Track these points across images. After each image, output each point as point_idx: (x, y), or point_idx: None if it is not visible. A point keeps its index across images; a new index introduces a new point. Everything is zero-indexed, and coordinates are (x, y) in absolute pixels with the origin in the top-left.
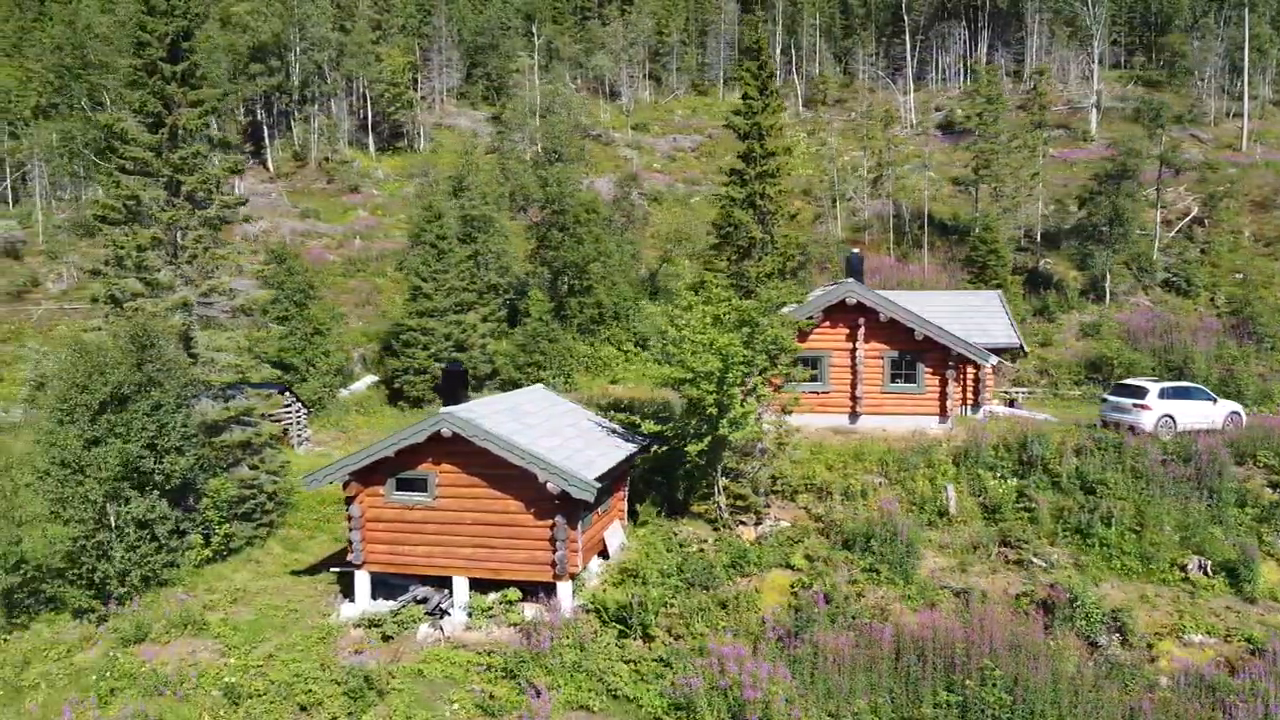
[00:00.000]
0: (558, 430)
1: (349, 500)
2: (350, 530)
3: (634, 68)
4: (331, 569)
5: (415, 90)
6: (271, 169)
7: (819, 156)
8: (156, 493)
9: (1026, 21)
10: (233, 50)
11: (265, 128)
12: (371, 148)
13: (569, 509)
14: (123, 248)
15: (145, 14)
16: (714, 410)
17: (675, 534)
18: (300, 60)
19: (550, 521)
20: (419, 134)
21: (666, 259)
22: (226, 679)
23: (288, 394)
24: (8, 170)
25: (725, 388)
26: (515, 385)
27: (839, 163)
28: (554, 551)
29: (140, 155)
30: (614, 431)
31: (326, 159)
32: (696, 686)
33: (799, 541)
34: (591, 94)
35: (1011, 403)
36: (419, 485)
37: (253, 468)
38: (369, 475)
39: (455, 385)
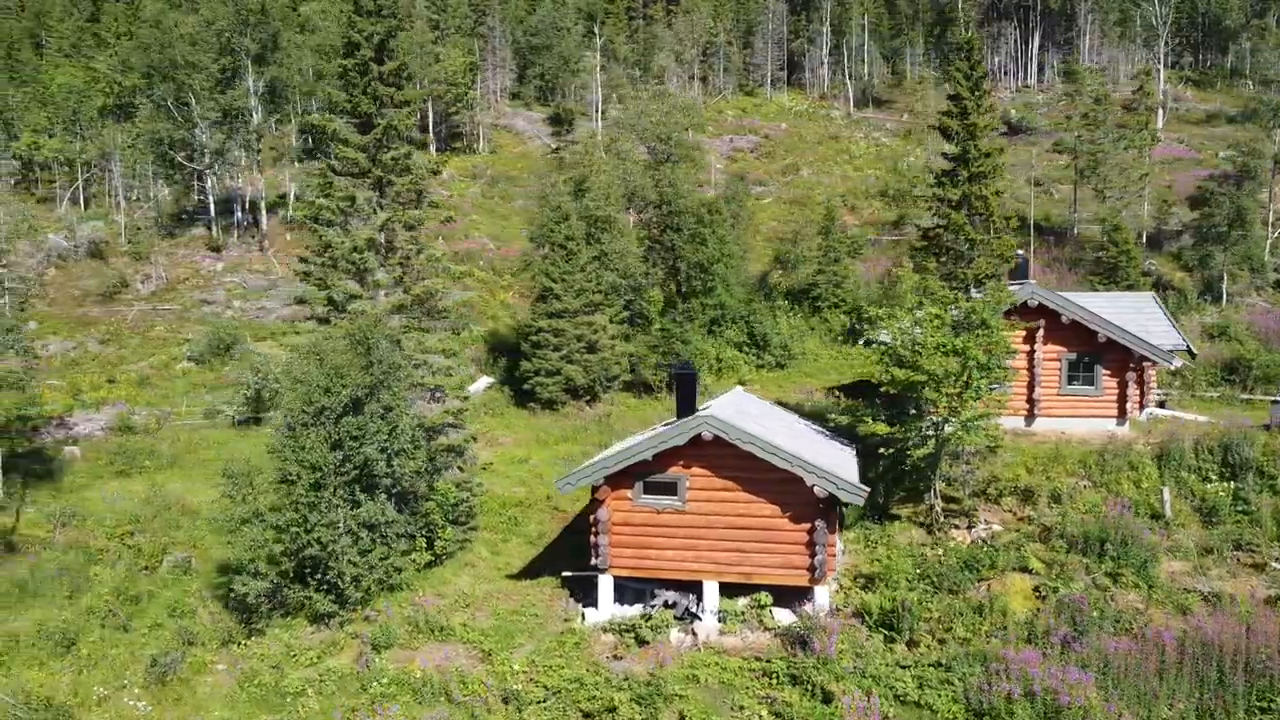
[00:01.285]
0: (796, 433)
1: (595, 504)
2: (595, 535)
3: (684, 68)
4: (562, 574)
5: (472, 92)
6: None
7: (881, 156)
8: (384, 496)
9: (1079, 21)
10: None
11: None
12: (432, 148)
13: (828, 513)
14: (337, 249)
15: (354, 14)
16: (945, 413)
17: (889, 537)
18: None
19: (808, 525)
20: (478, 135)
21: (783, 259)
22: (506, 685)
23: None
24: (79, 171)
25: (967, 389)
26: (648, 387)
27: (902, 163)
28: (812, 556)
29: (352, 156)
30: (826, 433)
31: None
32: (1000, 691)
33: (1018, 546)
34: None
35: (1161, 404)
36: (669, 489)
37: (459, 469)
38: (617, 479)
39: (688, 389)
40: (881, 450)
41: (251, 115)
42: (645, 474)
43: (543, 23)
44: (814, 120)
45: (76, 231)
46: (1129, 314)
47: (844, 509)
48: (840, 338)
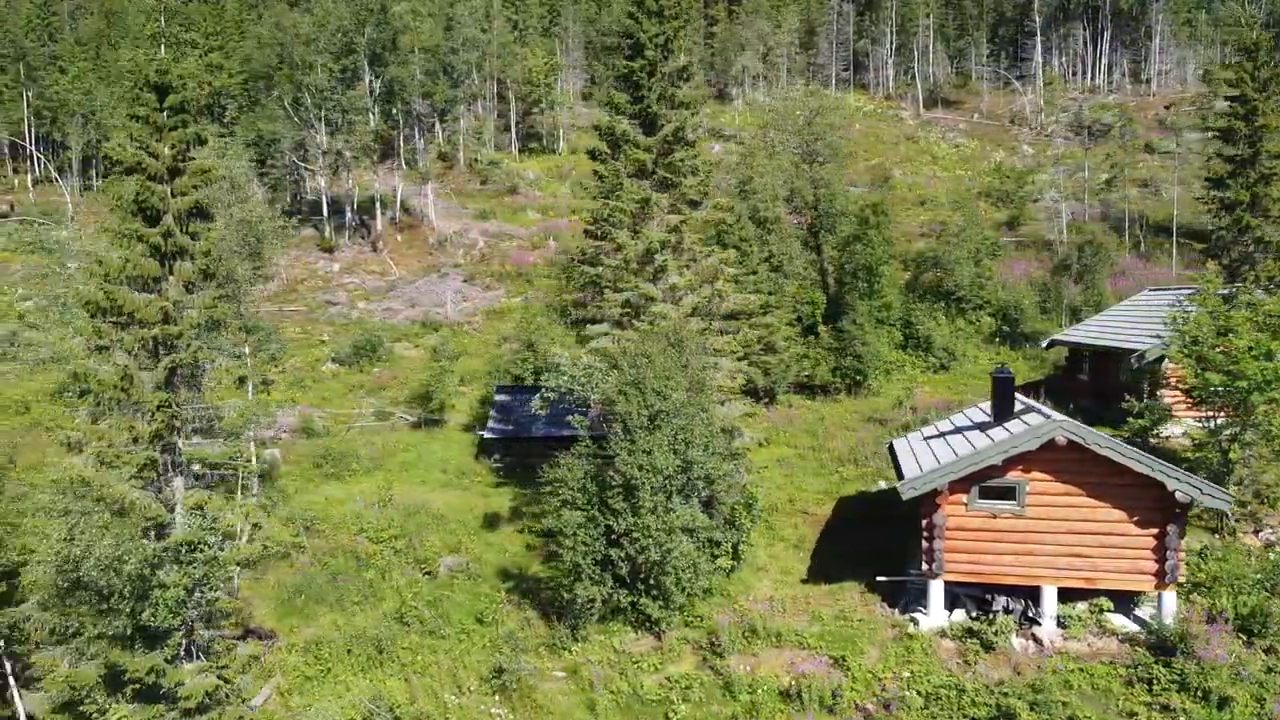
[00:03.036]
0: None
1: (932, 508)
2: (929, 539)
3: (749, 68)
4: (878, 578)
5: (555, 91)
6: (414, 170)
7: (964, 157)
8: (695, 500)
9: (1151, 21)
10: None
11: (404, 128)
12: (514, 149)
13: (1181, 516)
14: (628, 251)
15: (636, 16)
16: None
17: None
18: (448, 59)
19: (1157, 529)
20: (558, 135)
21: (938, 259)
22: (874, 691)
23: None
24: None
25: None
26: (824, 390)
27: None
28: (1162, 560)
29: (640, 157)
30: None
31: (475, 161)
32: None
33: None
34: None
35: None
36: (1007, 493)
37: (746, 471)
38: (955, 484)
39: (1007, 392)
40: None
41: (369, 116)
42: (982, 479)
43: (615, 22)
44: (884, 121)
45: None
46: None
47: None
48: (994, 339)
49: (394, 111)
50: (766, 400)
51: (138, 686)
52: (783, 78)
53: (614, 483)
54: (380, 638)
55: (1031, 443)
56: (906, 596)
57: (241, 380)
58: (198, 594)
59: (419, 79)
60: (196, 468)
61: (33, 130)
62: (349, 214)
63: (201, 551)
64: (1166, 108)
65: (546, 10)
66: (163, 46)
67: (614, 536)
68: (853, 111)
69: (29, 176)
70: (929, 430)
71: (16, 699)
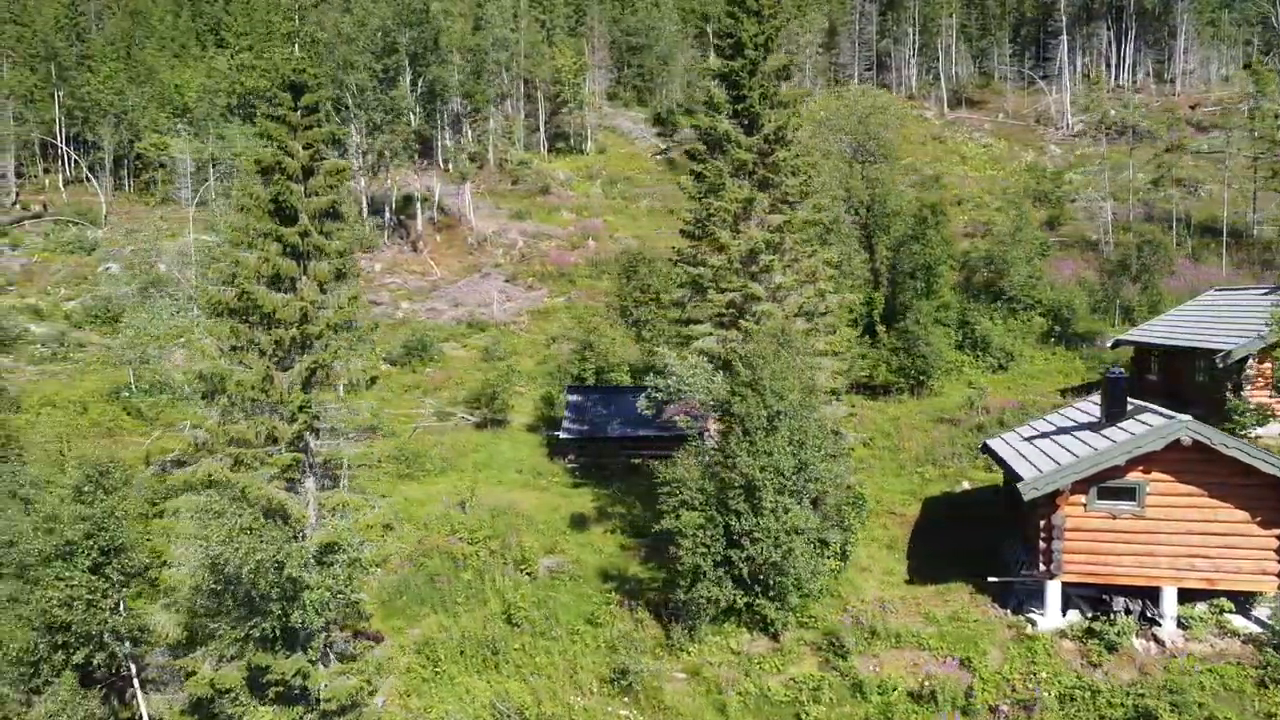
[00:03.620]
0: None
1: (1050, 509)
2: (1046, 540)
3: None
4: (990, 579)
5: (583, 91)
6: (450, 170)
7: (994, 157)
8: (805, 500)
9: (1175, 21)
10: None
11: (435, 128)
12: (544, 149)
13: None
14: (732, 251)
15: (736, 15)
16: None
17: None
18: (478, 59)
19: None
20: (586, 135)
21: (988, 257)
22: (1003, 692)
23: None
24: (209, 171)
25: None
26: (885, 390)
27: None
28: None
29: (743, 157)
30: None
31: (504, 161)
32: None
33: None
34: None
35: None
36: (1126, 494)
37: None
38: (1076, 484)
39: (1120, 392)
40: None
41: (410, 116)
42: (1102, 480)
43: (641, 23)
44: (909, 121)
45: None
46: None
47: None
48: (1049, 339)
49: (434, 111)
50: (826, 401)
51: (280, 689)
52: (806, 78)
53: (735, 483)
54: (493, 639)
55: (1156, 443)
56: (1016, 597)
57: (373, 380)
58: (340, 596)
59: (458, 78)
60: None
61: (63, 130)
62: (387, 214)
63: (344, 553)
64: (1192, 108)
65: (573, 10)
66: (296, 45)
67: (734, 537)
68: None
69: (60, 176)
70: (1027, 430)
71: (140, 701)
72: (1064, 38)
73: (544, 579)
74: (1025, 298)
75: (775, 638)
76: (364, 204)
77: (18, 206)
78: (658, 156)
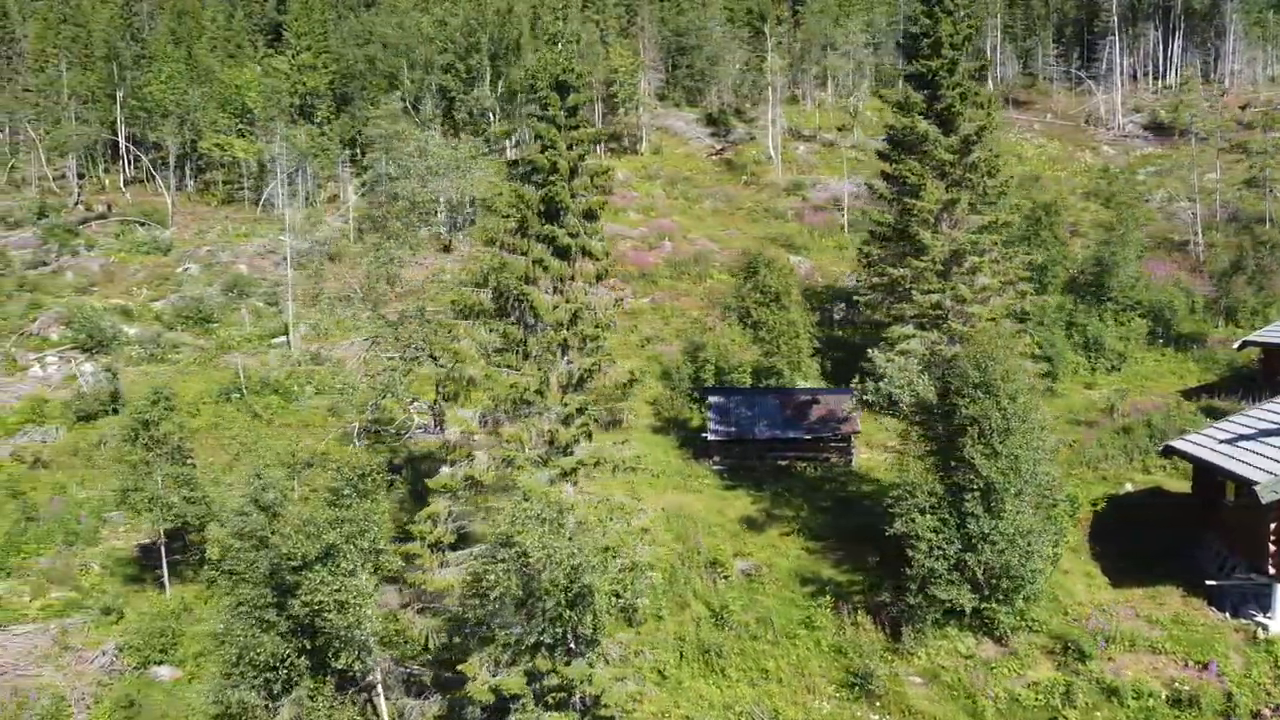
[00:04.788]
0: None
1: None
2: (1278, 543)
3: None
4: (1209, 582)
5: (639, 91)
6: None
7: (1050, 158)
8: (1024, 501)
9: (1224, 21)
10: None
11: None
12: (601, 149)
13: None
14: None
15: (935, 14)
16: None
17: None
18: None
19: None
20: (641, 135)
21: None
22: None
23: None
24: (278, 171)
25: None
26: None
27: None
28: None
29: (943, 157)
30: None
31: None
32: None
33: None
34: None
35: None
36: None
37: None
38: None
39: None
40: None
41: (491, 117)
42: None
43: (690, 24)
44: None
45: (308, 233)
46: None
47: None
48: (1156, 340)
49: (512, 113)
50: None
51: (559, 694)
52: (850, 79)
53: (973, 485)
54: (713, 643)
55: None
56: (1231, 600)
57: (632, 382)
58: (620, 600)
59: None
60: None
61: (122, 130)
62: (463, 214)
63: (623, 557)
64: (1241, 108)
65: (623, 10)
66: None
67: (970, 540)
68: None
69: (120, 177)
70: (1220, 433)
71: (382, 706)
72: (1114, 38)
73: (740, 581)
74: (1126, 299)
75: (1000, 641)
76: (441, 203)
77: (80, 206)
78: (713, 156)
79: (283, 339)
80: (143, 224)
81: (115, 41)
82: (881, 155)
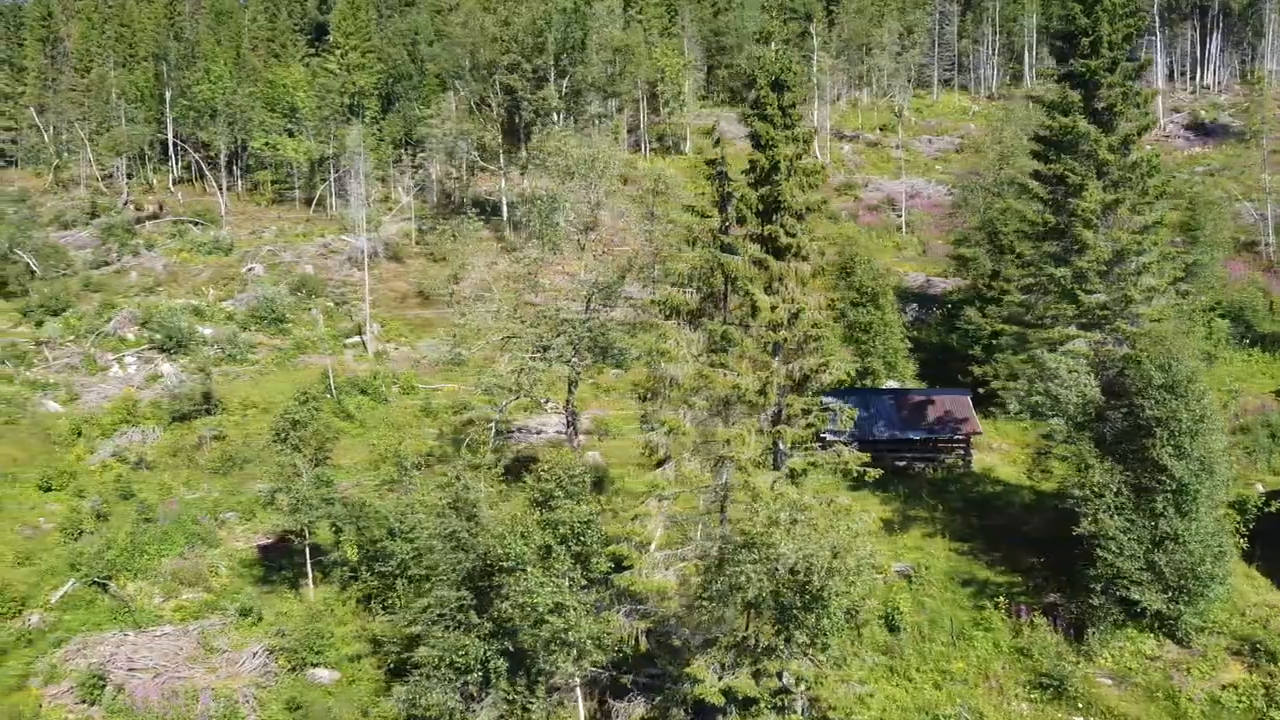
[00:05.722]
0: None
1: None
2: None
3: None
4: None
5: (684, 91)
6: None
7: None
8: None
9: (1264, 21)
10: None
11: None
12: (645, 149)
13: None
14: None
15: (1095, 12)
16: None
17: None
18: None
19: None
20: (685, 136)
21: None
22: None
23: None
24: (329, 171)
25: None
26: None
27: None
28: None
29: (1106, 158)
30: None
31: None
32: None
33: None
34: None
35: None
36: None
37: None
38: None
39: None
40: None
41: (556, 118)
42: None
43: (731, 23)
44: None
45: (372, 233)
46: None
47: None
48: (1243, 340)
49: (575, 113)
50: None
51: (784, 696)
52: (885, 78)
53: (1164, 486)
54: (890, 644)
55: None
56: None
57: (840, 383)
58: (849, 601)
59: (595, 80)
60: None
61: (170, 130)
62: (522, 213)
63: (852, 559)
64: (1175, 110)
65: (665, 9)
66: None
67: (1159, 540)
68: (959, 111)
69: (169, 176)
70: None
71: (580, 709)
72: (1155, 37)
73: (898, 583)
74: (1210, 300)
75: (1181, 643)
76: (504, 204)
77: (130, 206)
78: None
79: (356, 339)
80: (196, 224)
81: (165, 40)
82: (1035, 155)
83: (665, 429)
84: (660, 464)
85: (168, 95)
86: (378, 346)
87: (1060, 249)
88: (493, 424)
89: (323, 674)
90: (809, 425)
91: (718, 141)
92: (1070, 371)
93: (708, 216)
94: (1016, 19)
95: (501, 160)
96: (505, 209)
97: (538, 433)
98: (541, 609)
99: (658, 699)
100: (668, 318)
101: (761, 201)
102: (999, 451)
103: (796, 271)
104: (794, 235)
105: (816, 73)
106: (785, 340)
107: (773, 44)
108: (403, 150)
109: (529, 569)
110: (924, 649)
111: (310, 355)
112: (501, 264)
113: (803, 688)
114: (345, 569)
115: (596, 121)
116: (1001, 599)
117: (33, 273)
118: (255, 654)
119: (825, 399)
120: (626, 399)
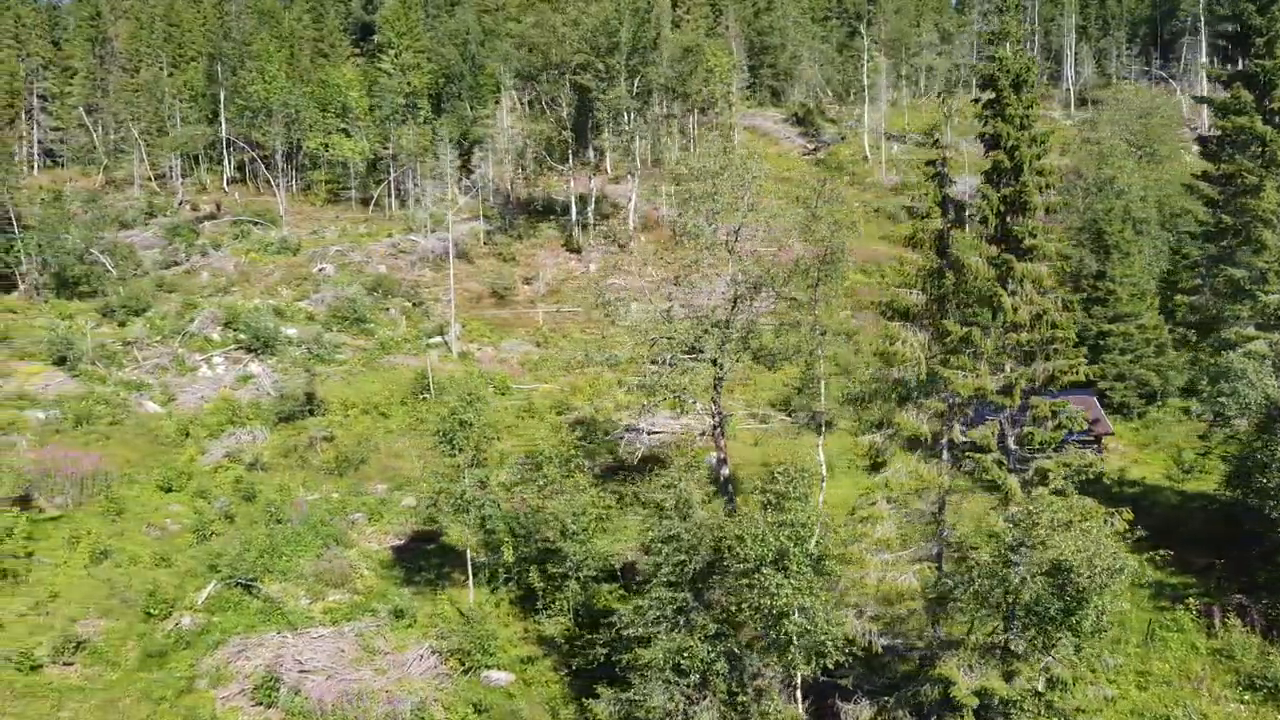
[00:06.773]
0: None
1: None
2: None
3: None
4: None
5: (732, 91)
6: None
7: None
8: None
9: None
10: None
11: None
12: (693, 149)
13: None
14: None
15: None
16: None
17: None
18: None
19: None
20: (731, 135)
21: None
22: None
23: None
24: (389, 170)
25: None
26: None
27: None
28: None
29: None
30: None
31: (656, 160)
32: None
33: None
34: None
35: None
36: None
37: None
38: None
39: None
40: None
41: (628, 116)
42: None
43: (774, 23)
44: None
45: (436, 234)
46: None
47: None
48: None
49: (642, 113)
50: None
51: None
52: (921, 79)
53: None
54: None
55: None
56: None
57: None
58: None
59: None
60: None
61: (223, 130)
62: (588, 212)
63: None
64: None
65: (710, 9)
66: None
67: None
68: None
69: (223, 176)
70: None
71: (799, 710)
72: (1198, 36)
73: None
74: None
75: None
76: (573, 204)
77: (186, 206)
78: (806, 156)
79: (439, 339)
80: (256, 224)
81: (218, 41)
82: (1203, 154)
83: (889, 430)
84: (875, 467)
85: (222, 95)
86: (461, 347)
87: (1222, 249)
88: (623, 425)
89: (498, 676)
90: (1059, 426)
91: (936, 142)
92: (1257, 372)
93: (929, 217)
94: (1054, 19)
95: (571, 160)
96: (574, 209)
97: (650, 433)
98: (784, 609)
99: (886, 700)
100: (890, 319)
101: (1003, 202)
102: (1117, 453)
103: (1035, 273)
104: (1035, 236)
105: (870, 73)
106: (1028, 342)
107: (1007, 44)
108: (460, 150)
109: (764, 569)
110: (1116, 650)
111: (395, 355)
112: (650, 269)
113: (1058, 691)
114: (502, 570)
115: (663, 122)
116: (1191, 600)
117: (108, 272)
118: (422, 655)
119: None
120: (735, 397)
